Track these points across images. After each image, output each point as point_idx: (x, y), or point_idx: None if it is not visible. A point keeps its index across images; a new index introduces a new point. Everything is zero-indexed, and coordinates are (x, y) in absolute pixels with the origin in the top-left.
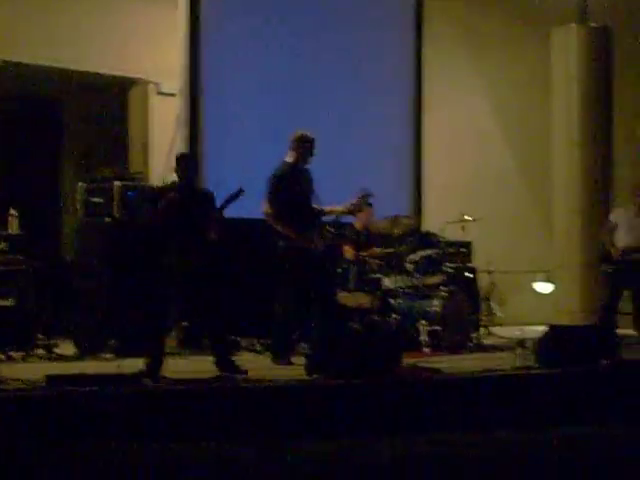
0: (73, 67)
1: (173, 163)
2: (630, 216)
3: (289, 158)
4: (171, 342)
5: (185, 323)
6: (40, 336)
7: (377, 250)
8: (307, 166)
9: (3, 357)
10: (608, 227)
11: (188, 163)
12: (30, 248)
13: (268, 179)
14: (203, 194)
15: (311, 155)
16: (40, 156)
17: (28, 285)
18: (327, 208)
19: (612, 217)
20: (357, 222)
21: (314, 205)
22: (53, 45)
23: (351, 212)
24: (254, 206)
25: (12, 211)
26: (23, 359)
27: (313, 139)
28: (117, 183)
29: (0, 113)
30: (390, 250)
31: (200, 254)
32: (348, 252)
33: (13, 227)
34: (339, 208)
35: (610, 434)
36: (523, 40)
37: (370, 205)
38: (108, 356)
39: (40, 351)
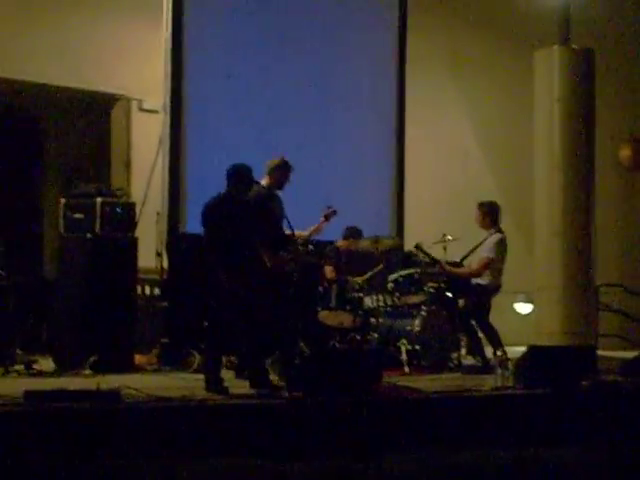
0: (55, 83)
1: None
2: None
3: (264, 181)
4: (151, 359)
5: (164, 340)
6: (19, 352)
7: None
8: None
9: None
10: None
11: None
12: (11, 264)
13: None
14: None
15: (287, 182)
16: (21, 172)
17: (8, 301)
18: (297, 233)
19: None
20: (340, 243)
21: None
22: (35, 60)
23: (318, 231)
24: None
25: None
26: (2, 375)
27: (291, 167)
28: (99, 199)
29: None
30: (372, 273)
31: None
32: (329, 272)
33: None
34: (305, 233)
35: (587, 455)
36: (506, 62)
37: (359, 236)
38: (87, 372)
39: (19, 367)
